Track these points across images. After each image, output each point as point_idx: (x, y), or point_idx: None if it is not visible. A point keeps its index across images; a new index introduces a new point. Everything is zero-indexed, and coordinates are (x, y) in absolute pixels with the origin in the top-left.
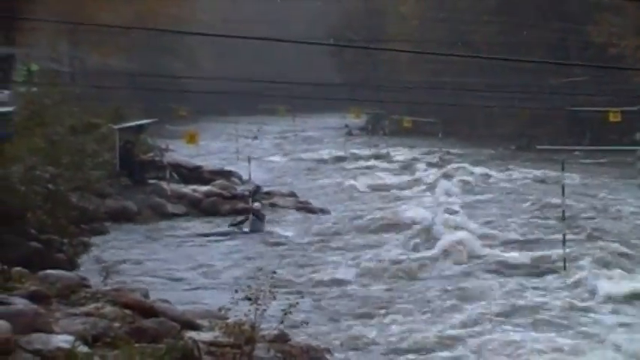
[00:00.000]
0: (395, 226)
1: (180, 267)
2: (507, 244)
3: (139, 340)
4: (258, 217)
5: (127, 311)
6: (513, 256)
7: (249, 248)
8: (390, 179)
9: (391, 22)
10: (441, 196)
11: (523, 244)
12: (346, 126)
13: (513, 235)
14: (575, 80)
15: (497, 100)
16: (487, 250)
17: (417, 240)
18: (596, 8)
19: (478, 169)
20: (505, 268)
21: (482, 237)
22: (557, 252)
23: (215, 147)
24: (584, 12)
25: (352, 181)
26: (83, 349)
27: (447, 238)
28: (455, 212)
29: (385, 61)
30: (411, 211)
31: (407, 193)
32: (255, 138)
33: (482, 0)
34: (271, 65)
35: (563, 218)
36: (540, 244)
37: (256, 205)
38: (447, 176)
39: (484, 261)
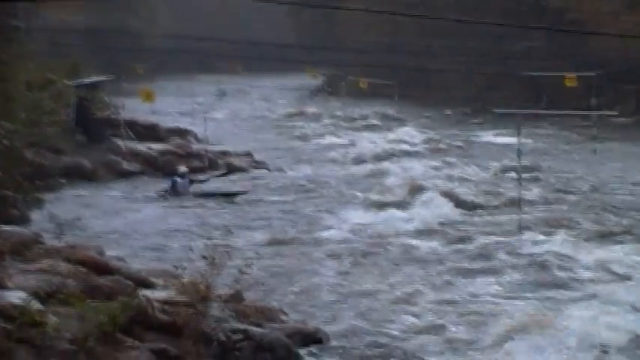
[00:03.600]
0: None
1: (134, 225)
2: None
3: (93, 298)
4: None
5: (82, 268)
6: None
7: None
8: (351, 139)
9: None
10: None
11: (476, 204)
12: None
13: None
14: (532, 45)
15: (454, 64)
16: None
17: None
18: None
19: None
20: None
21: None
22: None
23: (172, 105)
24: None
25: (314, 140)
26: (37, 305)
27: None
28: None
29: (342, 22)
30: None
31: (368, 150)
32: (223, 95)
33: None
34: (231, 25)
35: (519, 181)
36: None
37: (182, 169)
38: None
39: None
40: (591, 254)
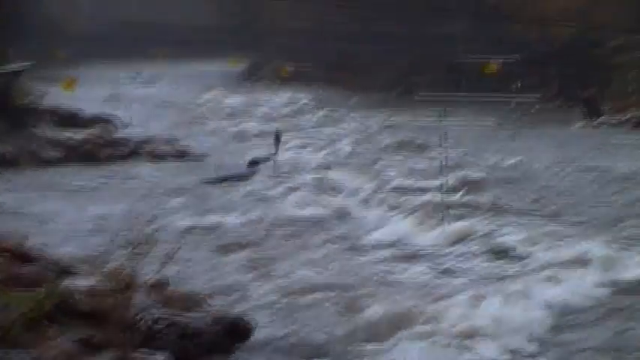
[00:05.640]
0: None
1: (60, 213)
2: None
3: (16, 287)
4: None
5: (3, 256)
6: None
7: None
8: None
9: None
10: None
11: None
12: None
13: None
14: (454, 29)
15: (379, 48)
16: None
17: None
18: None
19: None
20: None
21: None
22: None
23: (95, 91)
24: None
25: (238, 127)
26: None
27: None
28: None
29: (266, 6)
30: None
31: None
32: (136, 79)
33: None
34: (155, 10)
35: (442, 166)
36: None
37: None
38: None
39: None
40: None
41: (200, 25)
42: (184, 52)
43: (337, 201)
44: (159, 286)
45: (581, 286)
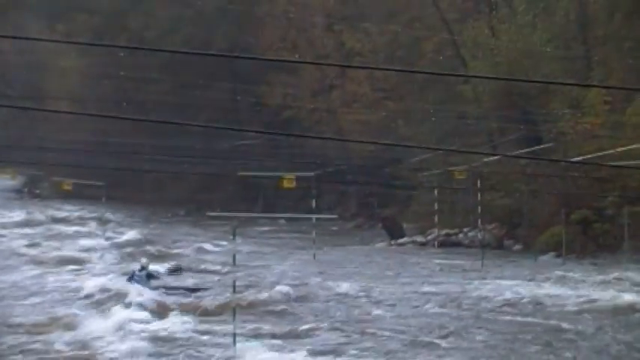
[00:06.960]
0: None
1: None
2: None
3: None
4: None
5: None
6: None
7: None
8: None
9: (51, 78)
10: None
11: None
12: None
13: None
14: (247, 143)
15: (166, 164)
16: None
17: None
18: (270, 68)
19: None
20: None
21: None
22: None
23: None
24: (256, 72)
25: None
26: None
27: None
28: None
29: (45, 119)
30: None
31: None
32: None
33: (149, 57)
34: None
35: (233, 290)
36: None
37: (143, 260)
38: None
39: None
40: None
41: None
42: None
43: None
44: None
45: None
